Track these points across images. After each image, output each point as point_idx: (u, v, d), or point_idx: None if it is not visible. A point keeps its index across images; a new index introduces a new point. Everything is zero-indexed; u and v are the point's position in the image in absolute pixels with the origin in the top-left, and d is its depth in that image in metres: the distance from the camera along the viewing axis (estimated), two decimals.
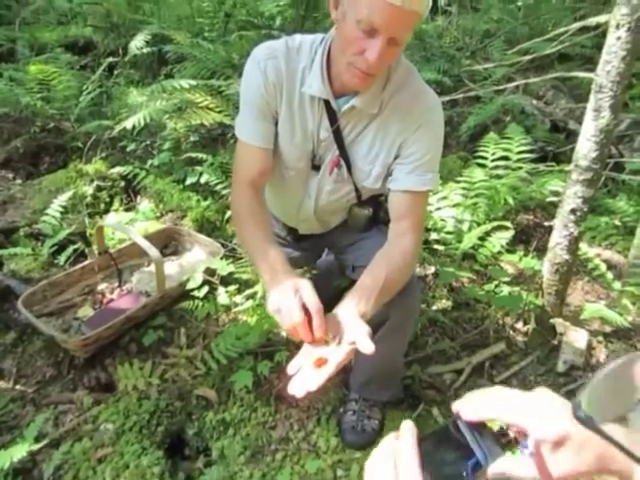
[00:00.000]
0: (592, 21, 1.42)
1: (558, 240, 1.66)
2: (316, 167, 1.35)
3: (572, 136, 3.19)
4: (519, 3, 5.40)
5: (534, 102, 3.47)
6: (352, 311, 1.04)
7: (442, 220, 2.21)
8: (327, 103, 1.24)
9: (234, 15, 3.84)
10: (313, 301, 0.99)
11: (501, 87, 2.22)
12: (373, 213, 1.46)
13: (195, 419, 1.62)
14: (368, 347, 0.96)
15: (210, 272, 1.87)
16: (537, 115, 3.35)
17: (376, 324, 1.43)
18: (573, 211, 1.57)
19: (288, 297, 1.00)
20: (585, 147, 1.48)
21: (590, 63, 3.96)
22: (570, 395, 1.58)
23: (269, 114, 1.28)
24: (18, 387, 1.66)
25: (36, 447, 1.21)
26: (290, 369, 0.97)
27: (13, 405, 1.60)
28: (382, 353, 1.50)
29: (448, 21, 5.00)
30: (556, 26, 4.30)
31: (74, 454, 1.46)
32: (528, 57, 1.73)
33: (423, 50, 4.19)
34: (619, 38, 1.30)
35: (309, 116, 1.27)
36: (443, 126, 1.27)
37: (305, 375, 0.95)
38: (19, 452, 1.20)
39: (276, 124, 1.30)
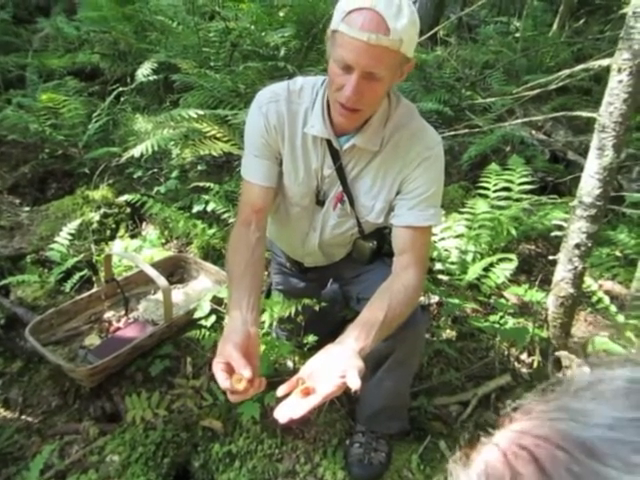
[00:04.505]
0: (595, 64, 1.47)
1: (563, 274, 1.69)
2: (320, 202, 1.39)
3: (571, 167, 3.25)
4: (517, 35, 5.54)
5: (533, 133, 3.54)
6: (349, 346, 1.07)
7: (446, 250, 2.23)
8: (329, 142, 1.28)
9: (239, 45, 3.92)
10: (228, 353, 1.05)
11: (506, 124, 2.25)
12: (377, 246, 1.49)
13: (201, 451, 1.62)
14: (354, 383, 0.98)
15: (217, 301, 1.88)
16: (537, 146, 3.41)
17: (382, 357, 1.45)
18: (577, 246, 1.60)
19: (215, 365, 1.06)
20: (589, 184, 1.51)
21: (588, 95, 4.05)
22: None
23: (271, 155, 1.33)
24: (24, 417, 1.65)
25: None
26: (279, 391, 1.01)
27: (19, 435, 1.59)
28: (388, 385, 1.53)
29: (447, 51, 5.11)
30: (554, 59, 4.41)
31: None
32: (533, 92, 1.78)
33: (423, 80, 4.27)
34: (621, 81, 1.35)
35: (312, 155, 1.31)
36: (444, 163, 1.30)
37: (291, 402, 0.99)
38: None
39: (280, 164, 1.34)
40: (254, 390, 1.05)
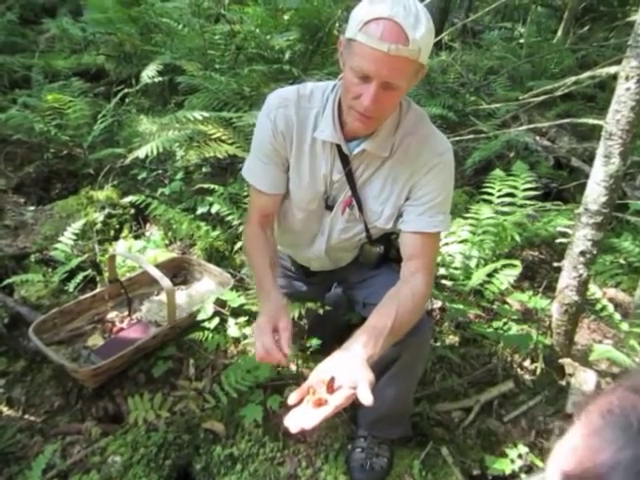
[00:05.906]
0: (602, 71, 1.47)
1: (568, 281, 1.69)
2: (329, 207, 1.39)
3: (575, 173, 3.25)
4: (521, 41, 5.55)
5: (538, 139, 3.54)
6: (359, 354, 1.06)
7: (450, 255, 2.23)
8: (339, 147, 1.28)
9: (244, 48, 3.93)
10: (284, 323, 1.21)
11: (510, 130, 2.25)
12: (384, 251, 1.49)
13: (203, 453, 1.61)
14: (367, 398, 0.98)
15: (220, 303, 1.88)
16: (541, 152, 3.41)
17: (387, 362, 1.44)
18: (582, 253, 1.60)
19: (264, 324, 1.21)
20: (595, 191, 1.51)
21: (592, 101, 4.06)
22: None
23: (279, 161, 1.34)
24: (26, 416, 1.65)
25: None
26: (290, 399, 1.01)
27: (21, 435, 1.59)
28: (392, 391, 1.52)
29: (452, 57, 5.11)
30: (558, 65, 4.42)
31: None
32: (538, 99, 1.78)
33: (427, 84, 4.28)
34: (628, 89, 1.35)
35: (322, 160, 1.31)
36: (454, 169, 1.30)
37: (303, 412, 0.98)
38: None
39: (287, 170, 1.35)
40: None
